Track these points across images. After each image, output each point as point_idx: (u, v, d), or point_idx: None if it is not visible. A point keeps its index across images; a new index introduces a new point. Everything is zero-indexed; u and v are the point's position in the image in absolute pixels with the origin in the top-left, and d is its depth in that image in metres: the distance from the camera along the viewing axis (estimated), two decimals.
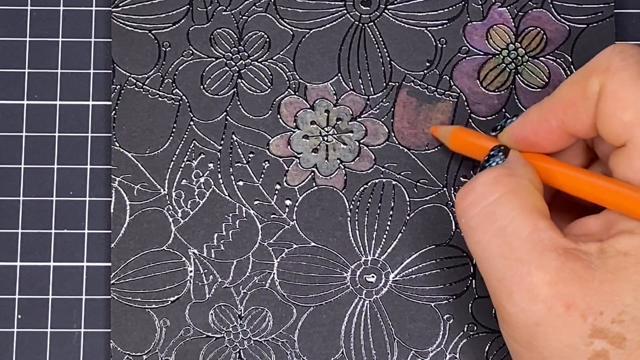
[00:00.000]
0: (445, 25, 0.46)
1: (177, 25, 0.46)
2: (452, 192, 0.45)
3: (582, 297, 0.35)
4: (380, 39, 0.46)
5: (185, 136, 0.45)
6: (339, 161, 0.45)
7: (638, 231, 0.36)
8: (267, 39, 0.46)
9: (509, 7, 0.46)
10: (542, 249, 0.36)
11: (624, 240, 0.36)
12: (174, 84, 0.45)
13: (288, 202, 0.45)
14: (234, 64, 0.46)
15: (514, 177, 0.38)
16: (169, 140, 0.45)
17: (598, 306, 0.35)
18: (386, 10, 0.46)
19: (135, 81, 0.45)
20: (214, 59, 0.46)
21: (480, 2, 0.46)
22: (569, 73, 0.45)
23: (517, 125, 0.40)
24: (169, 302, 0.44)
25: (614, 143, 0.37)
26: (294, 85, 0.45)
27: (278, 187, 0.45)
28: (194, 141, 0.45)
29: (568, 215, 0.41)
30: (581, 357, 0.35)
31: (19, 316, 0.45)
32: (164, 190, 0.45)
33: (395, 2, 0.46)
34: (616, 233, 0.36)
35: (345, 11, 0.46)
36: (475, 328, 0.44)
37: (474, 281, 0.44)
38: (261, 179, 0.45)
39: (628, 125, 0.36)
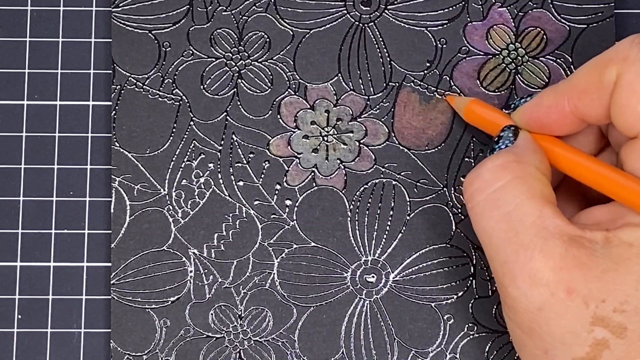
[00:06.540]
0: (445, 25, 0.46)
1: (177, 25, 0.46)
2: (452, 192, 0.45)
3: (585, 283, 0.35)
4: (380, 39, 0.46)
5: (185, 136, 0.45)
6: (339, 161, 0.45)
7: None
8: (267, 39, 0.46)
9: (509, 7, 0.46)
10: (546, 236, 0.36)
11: (629, 232, 0.36)
12: (174, 84, 0.45)
13: (288, 202, 0.45)
14: (234, 64, 0.45)
15: (521, 164, 0.38)
16: (169, 141, 0.45)
17: (600, 294, 0.35)
18: (386, 11, 0.46)
19: (135, 81, 0.45)
20: (214, 59, 0.46)
21: (480, 2, 0.46)
22: (569, 73, 0.45)
23: (530, 106, 0.40)
24: (169, 302, 0.44)
25: (627, 134, 0.37)
26: (294, 86, 0.45)
27: (278, 187, 0.45)
28: (194, 141, 0.45)
29: (577, 204, 0.41)
30: (582, 345, 0.36)
31: (19, 316, 0.45)
32: (164, 190, 0.45)
33: (395, 2, 0.46)
34: (623, 224, 0.37)
35: (345, 11, 0.46)
36: (475, 328, 0.44)
37: (474, 281, 0.44)
38: (261, 179, 0.45)
39: None
